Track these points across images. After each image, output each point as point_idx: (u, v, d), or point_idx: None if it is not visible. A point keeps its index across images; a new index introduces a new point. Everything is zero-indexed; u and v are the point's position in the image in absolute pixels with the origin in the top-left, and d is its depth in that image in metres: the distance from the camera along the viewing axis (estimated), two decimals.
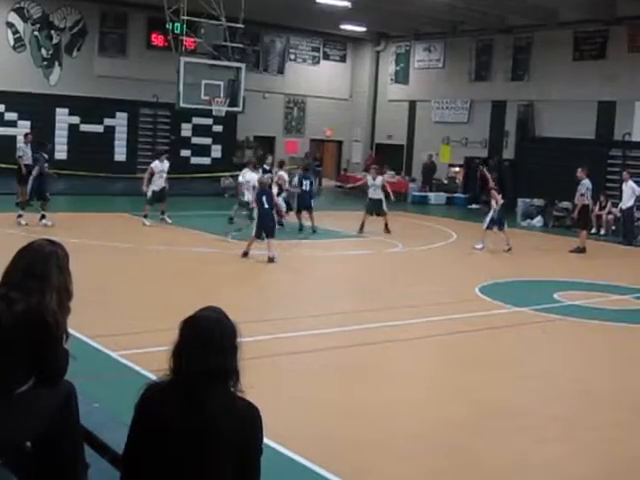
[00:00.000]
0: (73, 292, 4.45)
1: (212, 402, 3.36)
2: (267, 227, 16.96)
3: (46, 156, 21.07)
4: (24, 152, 23.30)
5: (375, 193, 22.41)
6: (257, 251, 16.98)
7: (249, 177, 21.10)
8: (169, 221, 21.67)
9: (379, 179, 22.59)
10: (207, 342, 3.40)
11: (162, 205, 21.92)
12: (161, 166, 22.05)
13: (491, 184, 21.35)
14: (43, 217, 20.14)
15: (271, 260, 16.65)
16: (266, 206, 17.09)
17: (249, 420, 3.45)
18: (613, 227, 25.63)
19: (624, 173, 23.92)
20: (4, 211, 21.52)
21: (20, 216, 20.00)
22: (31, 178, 20.47)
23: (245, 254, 16.91)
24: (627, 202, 23.42)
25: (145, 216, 21.40)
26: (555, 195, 27.24)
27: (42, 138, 28.29)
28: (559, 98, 29.59)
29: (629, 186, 23.21)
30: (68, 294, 4.37)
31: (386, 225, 22.14)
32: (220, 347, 3.42)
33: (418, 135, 36.36)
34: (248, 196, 20.26)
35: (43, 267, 4.24)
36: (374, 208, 22.28)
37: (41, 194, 20.41)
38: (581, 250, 20.70)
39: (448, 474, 6.78)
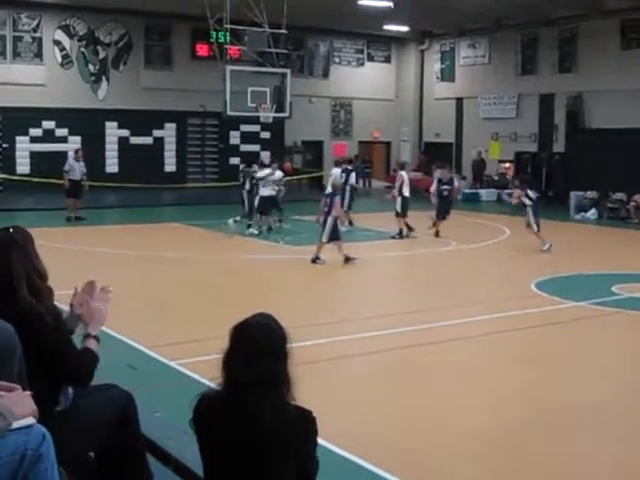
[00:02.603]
0: (46, 272, 4.20)
1: (265, 411, 3.33)
2: (331, 230, 16.73)
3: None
4: (71, 167, 23.61)
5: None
6: (293, 255, 16.97)
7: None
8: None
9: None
10: (256, 348, 3.38)
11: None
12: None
13: (515, 183, 21.27)
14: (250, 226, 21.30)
15: (346, 261, 16.50)
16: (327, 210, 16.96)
17: (303, 426, 3.42)
18: None
19: None
20: (56, 225, 21.88)
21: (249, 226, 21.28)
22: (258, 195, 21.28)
23: (315, 259, 16.70)
24: None
25: (249, 226, 21.68)
26: (609, 187, 26.90)
27: (93, 152, 28.83)
28: (608, 88, 29.18)
29: None
30: (41, 276, 4.13)
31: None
32: (270, 353, 3.39)
33: (466, 132, 36.15)
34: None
35: (5, 261, 4.01)
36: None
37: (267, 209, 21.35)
38: None
39: (510, 474, 6.70)
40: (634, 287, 14.65)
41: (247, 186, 21.92)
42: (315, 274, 16.38)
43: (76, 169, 23.59)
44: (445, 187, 21.92)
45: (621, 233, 23.19)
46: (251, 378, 3.34)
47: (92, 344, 4.11)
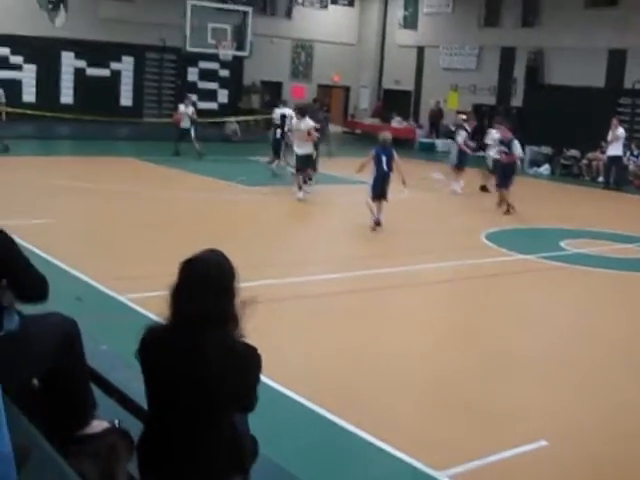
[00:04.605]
0: None
1: (210, 346, 3.35)
2: (379, 189, 15.37)
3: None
4: None
5: None
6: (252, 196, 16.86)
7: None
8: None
9: None
10: (204, 284, 3.38)
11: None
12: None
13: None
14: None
15: (377, 225, 15.14)
16: (384, 168, 15.43)
17: (247, 362, 3.44)
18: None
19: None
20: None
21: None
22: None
23: (377, 223, 15.17)
24: None
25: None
26: (563, 143, 27.12)
27: (48, 82, 28.26)
28: (569, 45, 29.22)
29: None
30: None
31: None
32: (217, 289, 3.39)
33: (426, 81, 36.07)
34: None
35: None
36: None
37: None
38: None
39: (445, 412, 6.83)
40: (581, 243, 14.89)
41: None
42: (269, 216, 16.37)
43: None
44: (502, 148, 18.48)
45: (572, 190, 23.46)
46: (198, 313, 3.35)
47: None
